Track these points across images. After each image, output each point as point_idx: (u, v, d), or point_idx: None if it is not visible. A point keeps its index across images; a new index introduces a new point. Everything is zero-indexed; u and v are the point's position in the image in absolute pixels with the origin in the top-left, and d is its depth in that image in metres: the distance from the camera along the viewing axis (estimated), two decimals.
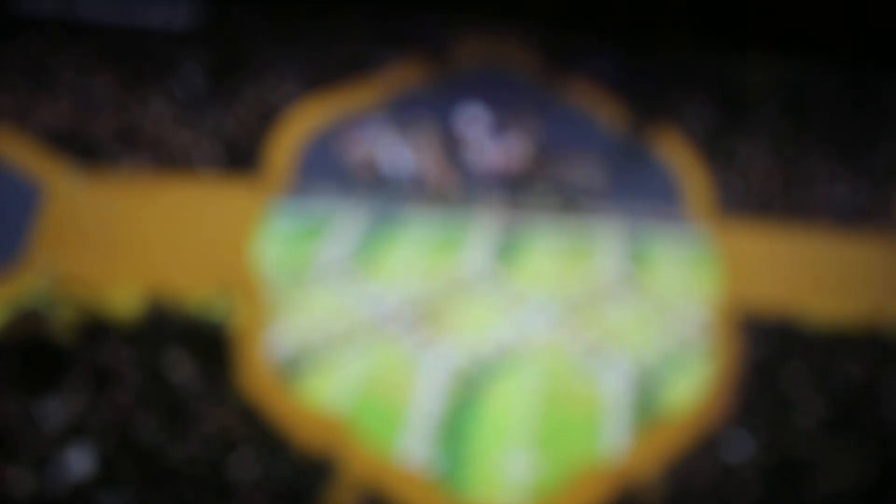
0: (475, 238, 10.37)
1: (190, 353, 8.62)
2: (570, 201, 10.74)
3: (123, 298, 8.89)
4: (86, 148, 9.72)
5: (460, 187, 10.36)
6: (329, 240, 10.09)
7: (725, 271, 10.52)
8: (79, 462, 6.88)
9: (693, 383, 9.31)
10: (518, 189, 10.44)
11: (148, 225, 9.68)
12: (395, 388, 8.73)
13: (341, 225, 10.27)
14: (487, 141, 10.37)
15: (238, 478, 7.65)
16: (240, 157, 10.32)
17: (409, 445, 8.18)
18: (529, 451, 8.30)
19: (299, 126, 11.10)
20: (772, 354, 9.67)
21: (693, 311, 10.08)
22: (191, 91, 10.62)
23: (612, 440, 8.58)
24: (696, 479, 8.20)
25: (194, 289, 9.21)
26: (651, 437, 8.75)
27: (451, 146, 10.70)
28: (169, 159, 10.00)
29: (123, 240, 9.47)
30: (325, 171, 10.72)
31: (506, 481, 8.09)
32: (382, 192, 10.50)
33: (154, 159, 9.88)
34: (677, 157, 11.88)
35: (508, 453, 8.24)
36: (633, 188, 11.09)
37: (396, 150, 10.13)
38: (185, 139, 10.02)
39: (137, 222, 9.67)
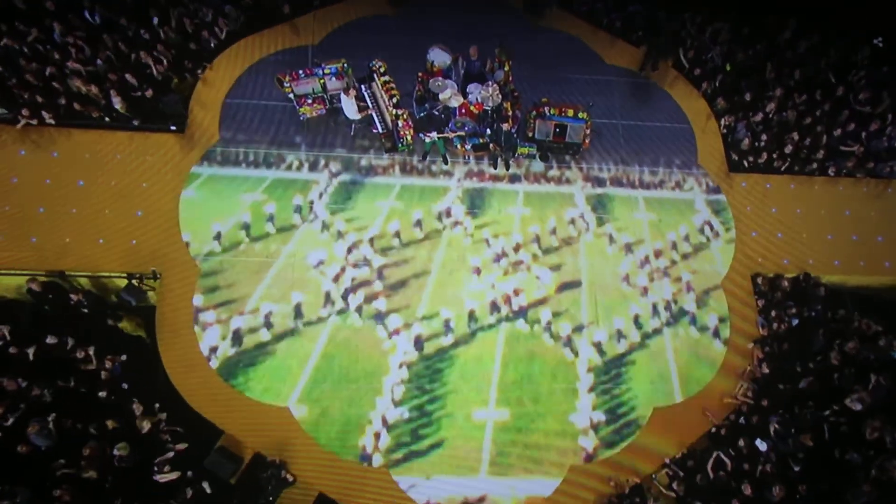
0: (443, 190, 9.40)
1: (107, 336, 7.54)
2: (552, 150, 9.71)
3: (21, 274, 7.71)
4: None
5: (426, 132, 9.05)
6: (279, 197, 8.97)
7: (733, 224, 9.65)
8: None
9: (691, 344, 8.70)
10: (489, 136, 9.23)
11: (50, 188, 8.34)
12: (365, 353, 8.07)
13: (290, 180, 9.12)
14: (456, 84, 9.10)
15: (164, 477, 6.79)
16: (162, 109, 8.85)
17: (381, 407, 7.76)
18: (501, 410, 7.93)
19: (233, 71, 9.61)
20: (790, 315, 8.83)
21: (696, 267, 9.30)
22: (98, 27, 9.01)
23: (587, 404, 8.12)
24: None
25: (106, 262, 8.00)
26: (664, 414, 8.18)
27: (416, 89, 9.44)
28: (79, 112, 8.51)
29: (22, 205, 8.22)
30: (266, 120, 9.42)
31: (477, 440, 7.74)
32: (334, 139, 9.40)
33: (62, 111, 8.47)
34: (685, 99, 10.55)
35: (479, 412, 7.87)
36: (633, 133, 10.09)
37: (351, 94, 8.78)
38: (96, 87, 8.48)
39: (38, 185, 8.28)
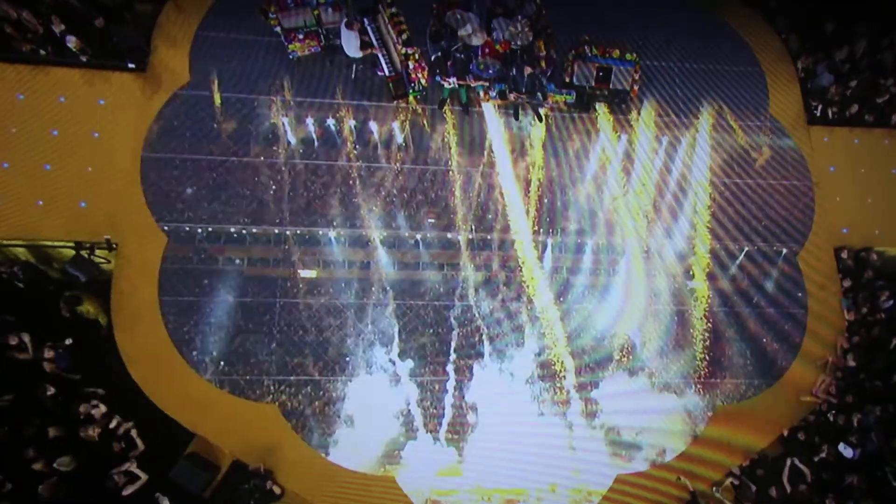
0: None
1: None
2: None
3: None
4: None
5: (443, 76, 7.85)
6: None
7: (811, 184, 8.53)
8: None
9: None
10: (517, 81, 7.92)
11: None
12: None
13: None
14: (478, 18, 7.86)
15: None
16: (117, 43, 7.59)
17: None
18: None
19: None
20: (883, 298, 8.02)
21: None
22: None
23: None
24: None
25: (48, 229, 6.94)
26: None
27: (430, 24, 8.11)
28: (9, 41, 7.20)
29: None
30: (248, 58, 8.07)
31: None
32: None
33: None
34: (754, 36, 9.22)
35: None
36: (690, 77, 8.96)
37: (353, 28, 7.51)
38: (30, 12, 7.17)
39: None
